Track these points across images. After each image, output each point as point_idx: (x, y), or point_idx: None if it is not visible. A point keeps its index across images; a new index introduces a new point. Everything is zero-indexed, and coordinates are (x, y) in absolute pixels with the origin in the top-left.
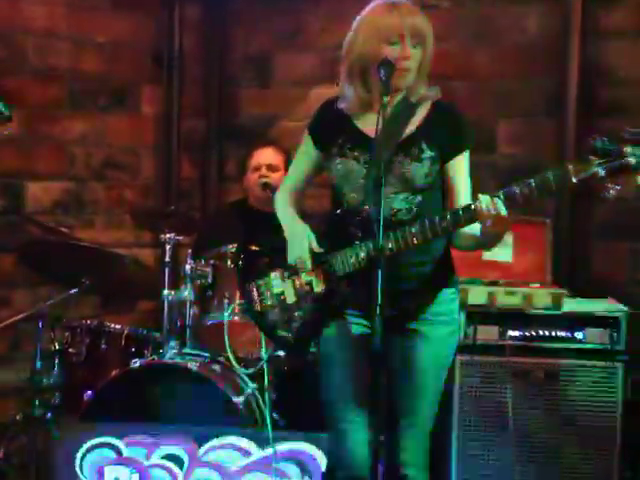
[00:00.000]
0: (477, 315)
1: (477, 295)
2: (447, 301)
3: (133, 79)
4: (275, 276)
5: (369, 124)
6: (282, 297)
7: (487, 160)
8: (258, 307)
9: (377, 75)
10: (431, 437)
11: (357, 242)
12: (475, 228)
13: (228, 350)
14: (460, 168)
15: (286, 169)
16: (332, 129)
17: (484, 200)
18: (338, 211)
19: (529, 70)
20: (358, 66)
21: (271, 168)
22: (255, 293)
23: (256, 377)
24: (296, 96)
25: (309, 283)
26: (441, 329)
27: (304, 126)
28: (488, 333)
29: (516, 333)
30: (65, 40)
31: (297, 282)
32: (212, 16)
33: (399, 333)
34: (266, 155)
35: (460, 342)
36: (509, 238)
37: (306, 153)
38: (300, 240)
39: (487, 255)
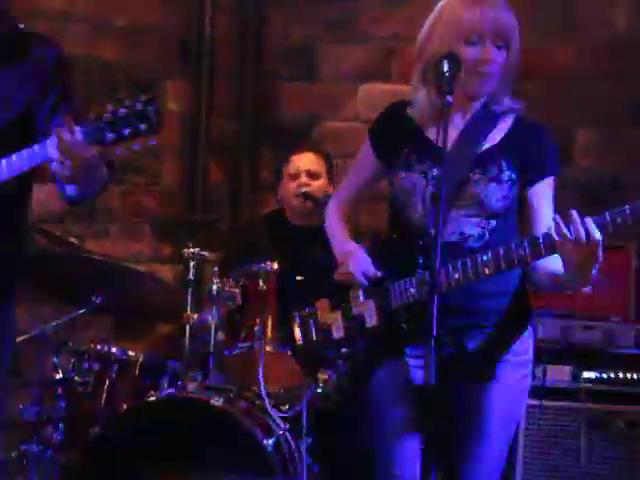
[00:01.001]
0: (548, 352)
1: (548, 329)
2: (522, 340)
3: (157, 70)
4: (322, 305)
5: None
6: (328, 331)
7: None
8: (299, 341)
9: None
10: None
11: (419, 270)
12: (557, 264)
13: (262, 386)
14: (543, 195)
15: (329, 177)
16: (398, 137)
17: (574, 220)
18: (394, 235)
19: (615, 72)
20: (433, 67)
21: (311, 175)
22: (296, 325)
23: (289, 417)
24: (343, 93)
25: (361, 315)
26: (514, 371)
27: (353, 128)
28: (560, 374)
29: (592, 375)
30: (81, 22)
31: (347, 314)
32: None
33: (464, 374)
34: (306, 160)
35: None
36: None
37: (365, 162)
38: (353, 263)
39: None
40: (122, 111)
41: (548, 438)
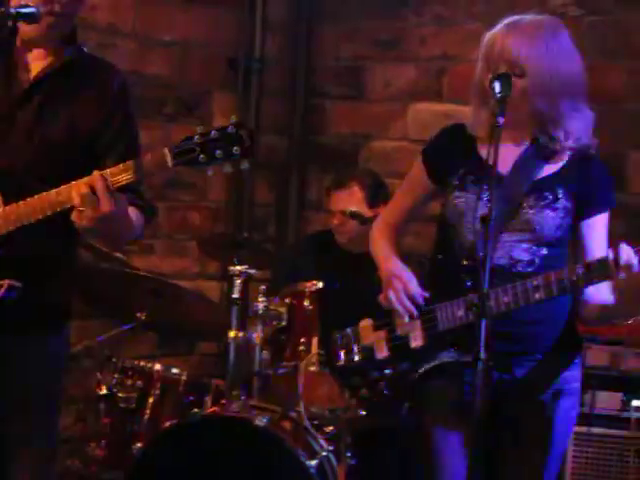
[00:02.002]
0: (596, 379)
1: (597, 355)
2: (571, 368)
3: (204, 86)
4: (364, 326)
5: (500, 157)
6: (371, 351)
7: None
8: (342, 362)
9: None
10: None
11: (466, 292)
12: (607, 295)
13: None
14: (597, 229)
15: (370, 204)
16: (454, 157)
17: (625, 250)
18: (440, 256)
19: None
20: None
21: (345, 214)
22: (339, 345)
23: (333, 438)
24: (392, 113)
25: (405, 337)
26: (562, 400)
27: (402, 148)
28: (609, 401)
29: None
30: (128, 38)
31: (391, 334)
32: (299, 16)
33: (513, 400)
34: (340, 199)
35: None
36: None
37: (416, 183)
38: (399, 283)
39: None
40: (213, 133)
41: (596, 466)
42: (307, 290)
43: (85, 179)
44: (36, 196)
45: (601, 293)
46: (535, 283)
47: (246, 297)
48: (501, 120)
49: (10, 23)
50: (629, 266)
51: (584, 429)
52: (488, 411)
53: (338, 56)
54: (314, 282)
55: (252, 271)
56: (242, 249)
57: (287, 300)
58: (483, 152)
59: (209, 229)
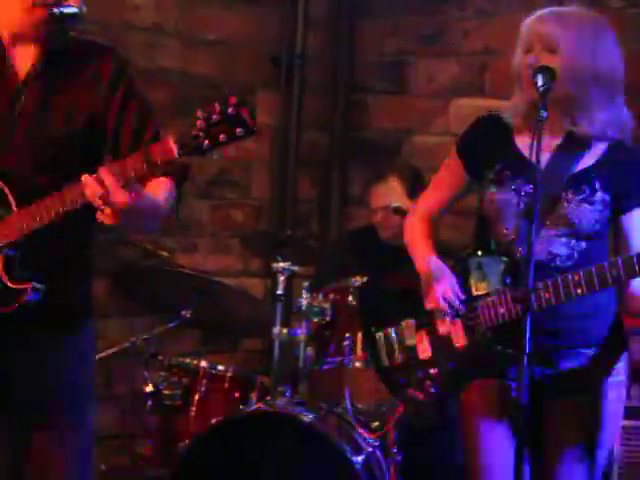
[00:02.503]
0: None
1: None
2: (617, 362)
3: (248, 84)
4: (407, 325)
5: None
6: (414, 351)
7: None
8: (385, 362)
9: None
10: None
11: (507, 289)
12: None
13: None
14: (638, 223)
15: (411, 197)
16: (491, 151)
17: None
18: (480, 252)
19: None
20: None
21: (387, 210)
22: (382, 344)
23: (379, 434)
24: (434, 108)
25: (448, 336)
26: (609, 393)
27: (444, 143)
28: None
29: None
30: (173, 37)
31: (433, 334)
32: (340, 12)
33: (556, 397)
34: (380, 195)
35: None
36: None
37: (452, 175)
38: (442, 281)
39: None
40: (215, 117)
41: None
42: (351, 286)
43: (93, 177)
44: (48, 197)
45: None
46: (576, 278)
47: (290, 294)
48: (545, 114)
49: (54, 23)
50: None
51: (632, 422)
52: (532, 407)
53: (380, 51)
54: (358, 278)
55: (295, 268)
56: (285, 246)
57: (331, 296)
58: (520, 144)
59: (252, 227)
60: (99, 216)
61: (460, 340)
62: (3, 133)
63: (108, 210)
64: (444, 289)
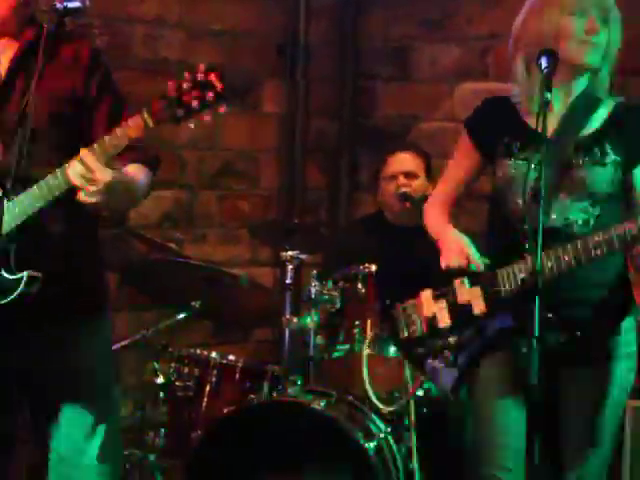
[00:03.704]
0: None
1: None
2: (626, 331)
3: (254, 73)
4: (425, 297)
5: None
6: (433, 321)
7: None
8: (405, 334)
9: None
10: None
11: (527, 255)
12: None
13: (369, 386)
14: None
15: (427, 176)
16: (497, 126)
17: None
18: (496, 223)
19: None
20: (536, 50)
21: (409, 176)
22: (401, 318)
23: (390, 419)
24: (439, 93)
25: (466, 305)
26: (619, 364)
27: (449, 128)
28: None
29: None
30: (176, 28)
31: (452, 303)
32: (344, 0)
33: (569, 367)
34: (403, 161)
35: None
36: None
37: (465, 157)
38: (457, 243)
39: None
40: (185, 85)
41: None
42: (360, 273)
43: (75, 158)
44: (34, 185)
45: None
46: (596, 239)
47: (299, 282)
48: (549, 96)
49: (57, 18)
50: None
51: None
52: (544, 376)
53: (384, 38)
54: (367, 265)
55: (304, 256)
56: (294, 234)
57: (340, 284)
58: (527, 118)
59: (260, 216)
60: (80, 196)
61: (480, 307)
62: None
63: (91, 188)
64: (461, 248)
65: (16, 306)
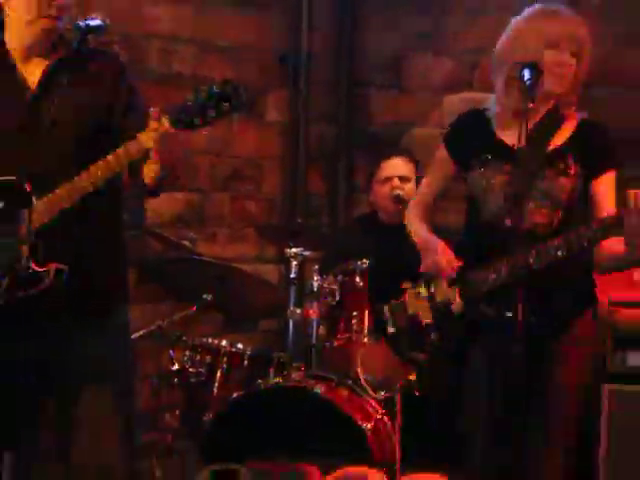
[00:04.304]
0: (629, 339)
1: (629, 317)
2: (588, 319)
3: (258, 84)
4: (410, 295)
5: (511, 134)
6: (417, 318)
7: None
8: (391, 330)
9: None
10: (577, 474)
11: (497, 257)
12: (620, 247)
13: (361, 373)
14: (606, 187)
15: (417, 180)
16: (472, 139)
17: (632, 194)
18: (472, 227)
19: None
20: (509, 72)
21: (402, 179)
22: (388, 314)
23: (386, 403)
24: (430, 102)
25: (446, 302)
26: (581, 349)
27: (439, 135)
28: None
29: None
30: (189, 44)
31: (433, 301)
32: (342, 15)
33: (538, 350)
34: (397, 165)
35: (609, 369)
36: None
37: (442, 166)
38: (438, 255)
39: None
40: (202, 96)
41: (630, 421)
42: (357, 268)
43: (147, 131)
44: (64, 185)
45: (614, 245)
46: (556, 243)
47: (302, 277)
48: (531, 106)
49: (80, 35)
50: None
51: (617, 386)
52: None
53: (380, 49)
54: (363, 260)
55: (307, 253)
56: (298, 234)
57: (339, 278)
58: (499, 131)
59: (266, 217)
60: (155, 157)
61: (458, 305)
62: (26, 137)
63: (164, 153)
64: (441, 254)
65: (37, 298)
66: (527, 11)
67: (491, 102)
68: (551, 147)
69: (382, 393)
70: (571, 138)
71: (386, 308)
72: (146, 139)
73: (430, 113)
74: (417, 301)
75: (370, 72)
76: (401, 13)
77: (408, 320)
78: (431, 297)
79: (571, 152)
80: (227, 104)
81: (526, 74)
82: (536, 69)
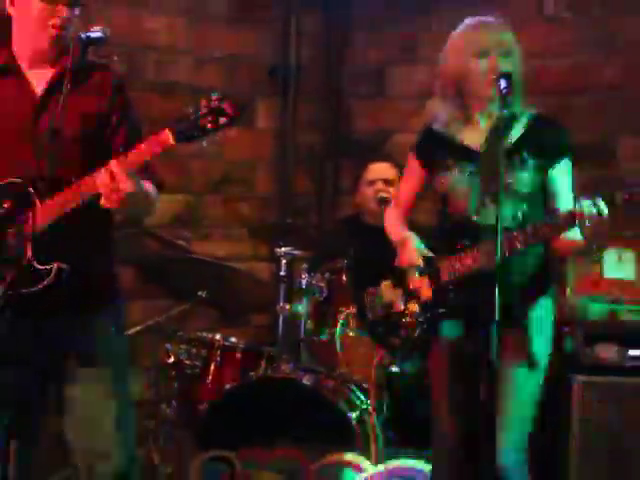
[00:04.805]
0: (597, 333)
1: (597, 312)
2: (543, 309)
3: (250, 93)
4: (386, 285)
5: (469, 137)
6: (391, 306)
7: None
8: (370, 316)
9: (494, 87)
10: (548, 461)
11: (464, 249)
12: (576, 234)
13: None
14: (561, 176)
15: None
16: (435, 148)
17: (585, 202)
18: (443, 224)
19: None
20: (452, 82)
21: (387, 182)
22: (367, 302)
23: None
24: (410, 109)
25: (417, 291)
26: (535, 336)
27: (411, 145)
28: (607, 352)
29: (638, 352)
30: (185, 55)
31: (405, 290)
32: (328, 28)
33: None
34: (383, 169)
35: (578, 361)
36: (631, 255)
37: (414, 174)
38: (409, 244)
39: (609, 273)
40: (202, 111)
41: (597, 410)
42: (343, 266)
43: (104, 167)
44: (64, 190)
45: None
46: (515, 234)
47: (291, 275)
48: (506, 112)
49: (81, 47)
50: (591, 217)
51: (585, 377)
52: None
53: (363, 61)
54: (350, 259)
55: (296, 252)
56: (289, 234)
57: (326, 276)
58: (458, 136)
59: (258, 218)
60: (103, 202)
61: (426, 293)
62: (28, 143)
63: (113, 196)
64: (412, 247)
65: (36, 295)
66: (460, 25)
67: (437, 114)
68: (507, 144)
69: (368, 384)
70: (524, 134)
71: (366, 297)
72: (146, 150)
73: (410, 120)
74: (392, 291)
75: (355, 82)
76: (384, 27)
77: (384, 308)
78: (404, 287)
79: (525, 146)
80: (225, 118)
81: (502, 83)
82: (510, 78)
